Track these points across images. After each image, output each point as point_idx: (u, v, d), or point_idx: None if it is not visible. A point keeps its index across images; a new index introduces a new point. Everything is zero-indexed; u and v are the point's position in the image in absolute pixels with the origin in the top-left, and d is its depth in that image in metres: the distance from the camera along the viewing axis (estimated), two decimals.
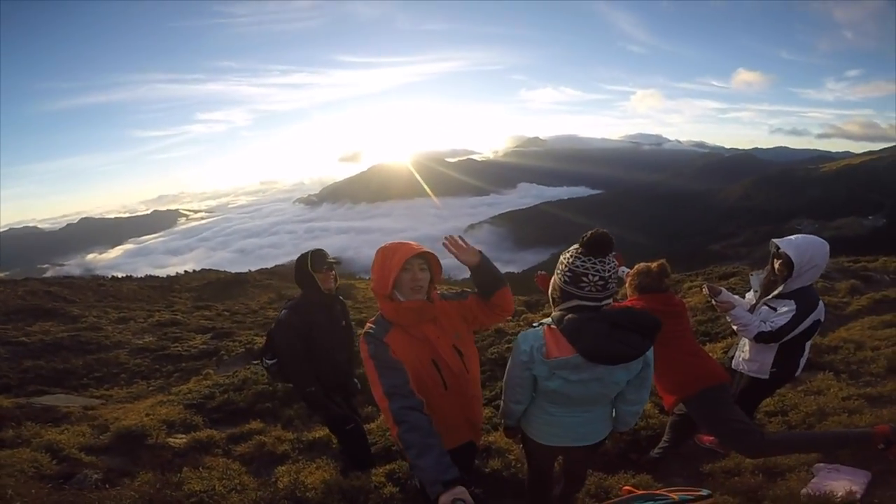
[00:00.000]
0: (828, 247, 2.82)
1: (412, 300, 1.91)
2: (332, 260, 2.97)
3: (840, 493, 2.30)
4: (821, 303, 2.83)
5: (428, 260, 1.98)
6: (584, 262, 1.78)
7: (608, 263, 1.78)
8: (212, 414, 4.61)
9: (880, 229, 72.11)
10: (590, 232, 1.79)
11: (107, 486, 2.50)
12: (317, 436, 3.87)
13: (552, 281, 1.95)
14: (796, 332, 2.76)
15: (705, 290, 3.10)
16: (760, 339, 2.82)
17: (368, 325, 1.96)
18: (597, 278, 1.76)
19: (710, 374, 2.77)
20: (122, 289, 23.44)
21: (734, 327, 2.98)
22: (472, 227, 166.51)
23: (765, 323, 2.83)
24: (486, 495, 2.79)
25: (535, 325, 1.95)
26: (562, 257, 1.87)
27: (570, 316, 1.82)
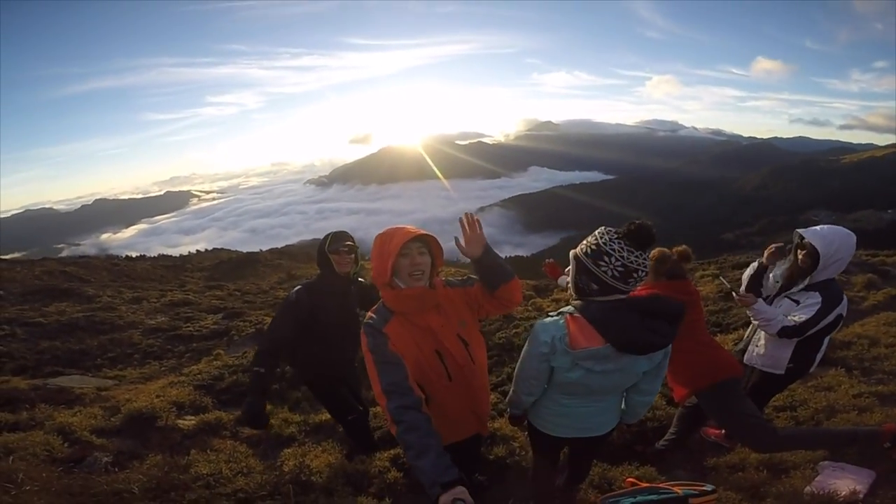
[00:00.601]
0: (854, 238, 2.71)
1: (413, 287, 1.84)
2: (350, 242, 2.86)
3: (843, 492, 2.27)
4: (845, 297, 2.76)
5: (427, 243, 1.89)
6: (636, 256, 1.67)
7: (644, 257, 1.72)
8: (221, 395, 4.66)
9: None
10: (637, 222, 1.69)
11: (116, 469, 2.56)
12: (323, 419, 3.91)
13: (574, 273, 1.81)
14: (819, 326, 2.68)
15: (719, 281, 3.03)
16: (784, 333, 2.74)
17: (369, 314, 1.92)
18: (642, 272, 1.69)
19: (725, 365, 2.72)
20: (135, 268, 23.85)
21: (755, 322, 2.90)
22: (482, 209, 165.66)
23: (787, 317, 2.76)
24: (490, 482, 2.81)
25: (552, 314, 1.87)
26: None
27: (596, 304, 1.75)
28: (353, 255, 2.87)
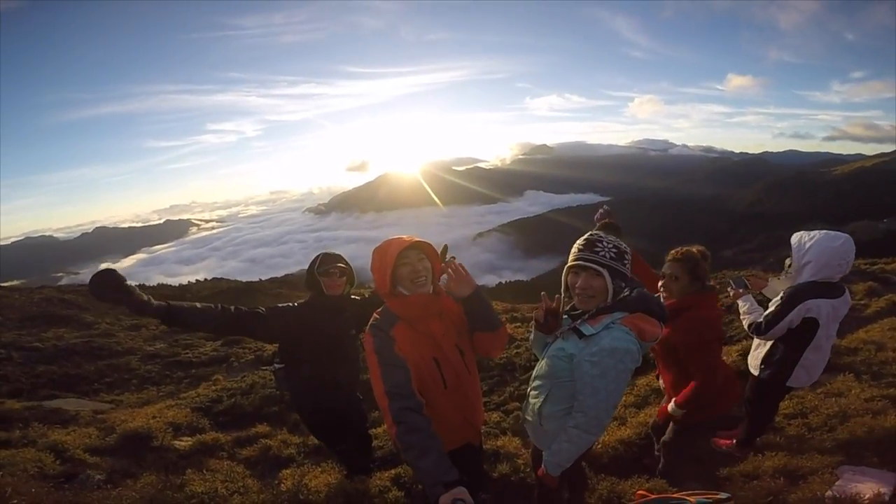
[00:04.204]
0: (838, 242, 2.56)
1: (417, 294, 1.86)
2: (341, 265, 2.74)
3: (868, 496, 2.19)
4: (816, 302, 2.57)
5: (424, 250, 1.91)
6: (618, 242, 1.82)
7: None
8: (219, 417, 4.58)
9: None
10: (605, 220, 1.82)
11: (109, 486, 2.47)
12: None
13: (609, 280, 1.77)
14: (783, 324, 2.61)
15: (730, 290, 3.00)
16: (751, 330, 2.78)
17: (374, 315, 1.92)
18: (628, 255, 1.83)
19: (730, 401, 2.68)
20: None
21: (741, 314, 2.94)
22: (480, 235, 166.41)
23: (759, 314, 2.77)
24: (495, 501, 2.72)
25: (589, 331, 1.77)
26: (621, 246, 1.80)
27: (633, 295, 1.82)
28: (344, 278, 2.75)
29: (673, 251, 2.58)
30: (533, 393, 2.05)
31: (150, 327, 12.74)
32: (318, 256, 2.78)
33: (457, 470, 1.61)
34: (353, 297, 2.91)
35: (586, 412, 1.77)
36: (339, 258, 2.78)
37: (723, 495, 1.95)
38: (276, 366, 2.88)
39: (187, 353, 9.86)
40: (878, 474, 2.41)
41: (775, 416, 3.36)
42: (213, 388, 6.01)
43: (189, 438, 3.54)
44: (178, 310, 2.28)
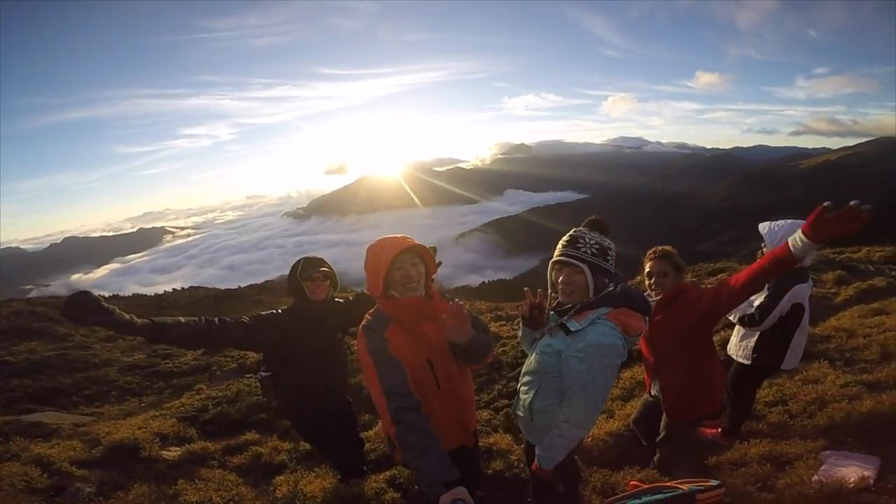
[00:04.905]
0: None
1: (410, 297, 1.86)
2: (325, 268, 2.71)
3: (853, 479, 2.28)
4: (800, 286, 2.79)
5: (419, 253, 1.91)
6: (602, 238, 1.90)
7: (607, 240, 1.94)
8: (205, 426, 4.48)
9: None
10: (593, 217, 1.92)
11: (100, 498, 2.41)
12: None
13: (590, 276, 1.82)
14: (775, 313, 2.77)
15: None
16: (742, 322, 2.90)
17: (367, 316, 1.90)
18: (611, 251, 1.91)
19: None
20: None
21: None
22: (462, 235, 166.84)
23: (749, 306, 2.88)
24: (490, 497, 2.74)
25: (575, 327, 1.81)
26: (604, 243, 1.88)
27: (617, 290, 1.87)
28: (328, 282, 2.73)
29: (651, 251, 2.68)
30: (523, 389, 2.08)
31: (127, 338, 12.38)
32: (300, 261, 2.75)
33: (456, 469, 1.60)
34: (337, 300, 2.89)
35: (576, 406, 1.81)
36: (321, 262, 2.76)
37: (713, 482, 2.02)
38: (262, 373, 2.83)
39: (167, 364, 9.62)
40: (861, 458, 2.51)
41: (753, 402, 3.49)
42: (198, 397, 5.89)
43: (177, 448, 3.46)
44: (163, 326, 2.22)
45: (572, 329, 1.82)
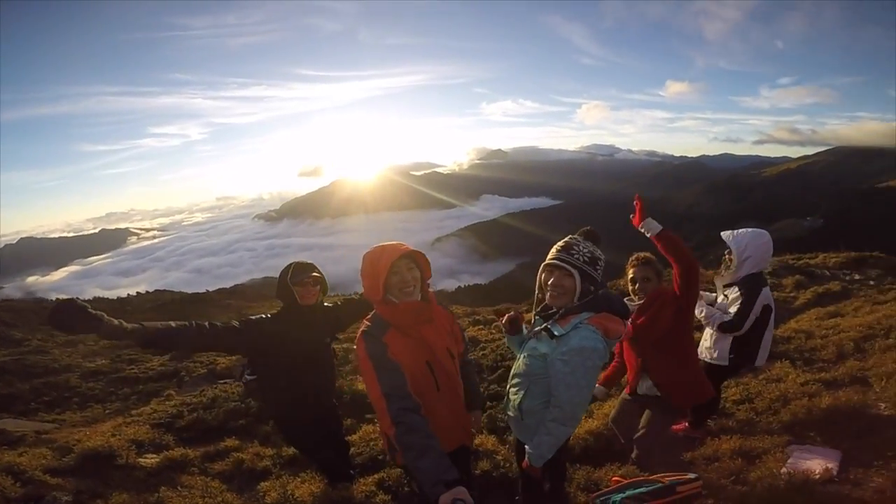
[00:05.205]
0: (765, 237, 3.10)
1: (408, 301, 1.90)
2: (316, 274, 2.74)
3: (818, 471, 2.44)
4: (766, 290, 3.08)
5: (415, 259, 1.96)
6: (594, 248, 2.01)
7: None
8: (182, 433, 4.35)
9: (818, 229, 77.23)
10: (587, 228, 2.05)
11: None
12: (296, 450, 3.72)
13: (579, 281, 1.93)
14: (751, 317, 2.99)
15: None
16: (722, 329, 3.07)
17: (365, 322, 1.94)
18: (601, 261, 2.02)
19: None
20: None
21: (701, 320, 3.20)
22: (438, 240, 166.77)
23: (725, 314, 3.07)
24: (479, 496, 2.78)
25: (559, 331, 1.92)
26: (596, 253, 1.99)
27: (597, 296, 1.96)
28: (318, 287, 2.75)
29: (634, 258, 2.85)
30: (513, 390, 2.17)
31: (87, 342, 11.84)
32: (290, 266, 2.76)
33: (456, 469, 1.63)
34: (326, 304, 2.92)
35: (562, 407, 1.92)
36: (312, 267, 2.78)
37: (691, 475, 2.14)
38: (248, 377, 2.82)
39: (132, 369, 9.28)
40: (823, 451, 2.69)
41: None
42: (169, 403, 5.71)
43: (155, 455, 3.35)
44: (154, 331, 2.18)
45: (557, 334, 1.93)
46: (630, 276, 2.80)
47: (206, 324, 2.35)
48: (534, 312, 2.13)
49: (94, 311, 1.94)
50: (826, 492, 2.32)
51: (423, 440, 1.68)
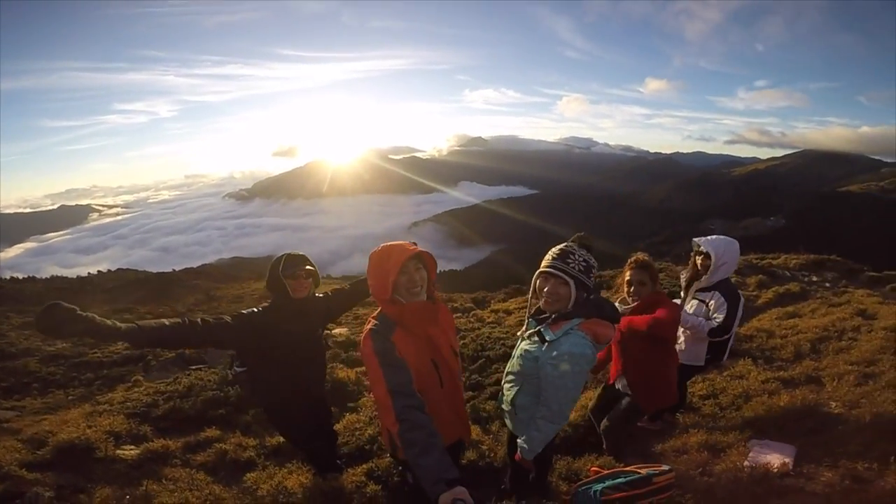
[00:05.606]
0: (736, 245, 3.35)
1: (415, 301, 1.94)
2: (309, 267, 2.73)
3: (776, 465, 2.65)
4: (740, 292, 3.37)
5: (423, 259, 2.00)
6: (589, 256, 2.08)
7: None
8: (158, 423, 4.28)
9: (781, 229, 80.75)
10: (581, 234, 2.12)
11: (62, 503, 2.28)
12: (280, 440, 3.74)
13: (574, 290, 2.03)
14: (736, 320, 3.21)
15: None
16: (713, 334, 3.24)
17: (372, 320, 1.96)
18: (595, 269, 2.10)
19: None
20: (23, 290, 20.91)
21: (686, 331, 3.38)
22: (415, 224, 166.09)
23: (707, 320, 3.23)
24: (465, 485, 2.88)
25: (551, 336, 2.03)
26: (591, 261, 2.07)
27: (589, 301, 2.05)
28: (310, 280, 2.74)
29: (632, 260, 2.95)
30: (507, 386, 2.31)
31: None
32: (281, 257, 2.73)
33: (457, 469, 1.67)
34: (317, 295, 2.91)
35: (550, 406, 2.05)
36: (305, 260, 2.76)
37: (665, 467, 2.28)
38: (238, 369, 2.82)
39: (95, 353, 8.97)
40: (780, 447, 2.91)
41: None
42: (139, 390, 5.57)
43: (134, 447, 3.30)
44: (149, 331, 2.13)
45: (548, 339, 2.04)
46: (626, 277, 2.94)
47: (199, 320, 2.33)
48: (527, 316, 2.24)
49: (82, 313, 1.89)
50: (783, 485, 2.53)
51: (427, 438, 1.71)
